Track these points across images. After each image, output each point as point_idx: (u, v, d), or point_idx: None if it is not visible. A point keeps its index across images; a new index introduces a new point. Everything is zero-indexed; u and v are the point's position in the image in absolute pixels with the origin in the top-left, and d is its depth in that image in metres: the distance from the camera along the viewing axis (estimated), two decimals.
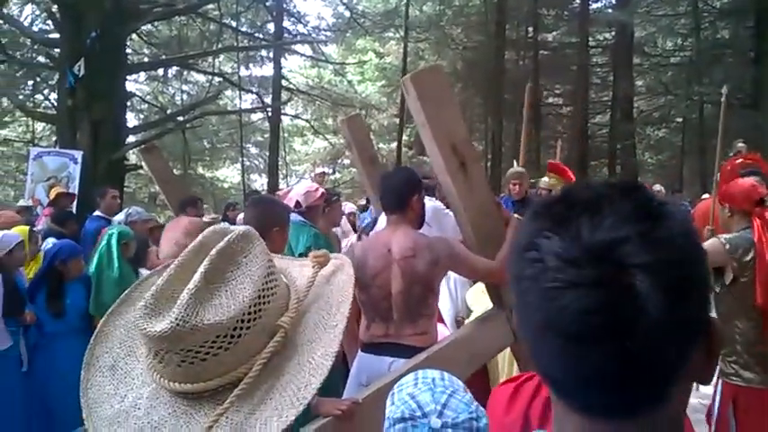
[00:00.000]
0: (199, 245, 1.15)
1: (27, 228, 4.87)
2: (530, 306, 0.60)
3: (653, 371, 0.57)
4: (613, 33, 20.16)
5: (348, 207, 5.95)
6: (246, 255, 1.12)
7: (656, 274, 0.54)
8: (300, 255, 3.58)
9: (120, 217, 5.45)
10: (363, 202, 9.62)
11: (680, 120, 21.27)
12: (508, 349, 3.01)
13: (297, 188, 4.11)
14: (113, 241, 4.48)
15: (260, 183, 24.32)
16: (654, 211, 0.59)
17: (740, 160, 4.79)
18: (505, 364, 3.32)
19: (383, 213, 3.01)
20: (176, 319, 1.01)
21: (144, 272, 4.75)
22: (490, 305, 3.30)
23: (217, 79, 16.46)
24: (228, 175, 25.08)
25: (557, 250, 0.57)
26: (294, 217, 3.54)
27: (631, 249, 0.55)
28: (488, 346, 2.78)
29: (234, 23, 15.45)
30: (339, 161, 24.24)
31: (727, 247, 3.02)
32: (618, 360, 0.55)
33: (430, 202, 4.28)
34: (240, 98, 19.85)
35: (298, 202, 3.90)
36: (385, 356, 2.61)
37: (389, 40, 20.64)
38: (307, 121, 21.23)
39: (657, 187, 12.11)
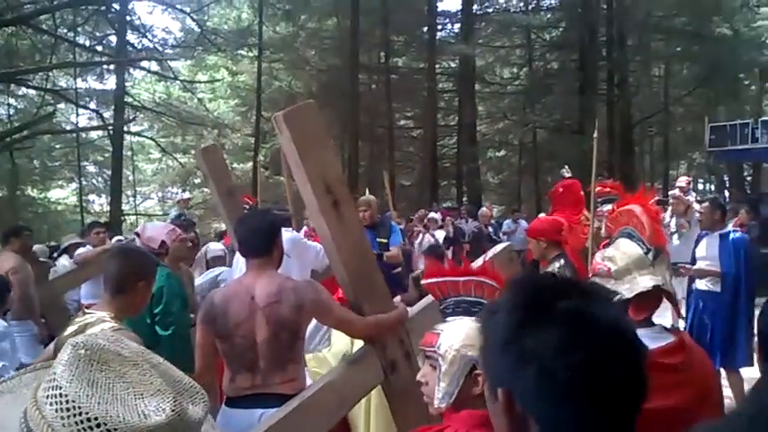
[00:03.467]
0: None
1: None
2: (572, 384, 0.81)
3: None
4: (458, 62, 21.44)
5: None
6: None
7: None
8: (152, 296, 3.35)
9: None
10: (222, 227, 9.25)
11: (517, 143, 23.12)
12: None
13: (151, 228, 3.84)
14: None
15: (99, 204, 22.68)
16: None
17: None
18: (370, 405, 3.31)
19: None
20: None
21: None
22: (348, 339, 3.30)
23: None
24: (63, 196, 22.99)
25: None
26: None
27: None
28: (359, 386, 2.75)
29: (71, 35, 14.26)
30: (190, 181, 23.24)
31: None
32: None
33: (288, 233, 4.23)
34: (77, 114, 18.34)
35: (163, 242, 3.66)
36: (254, 409, 2.51)
37: (243, 59, 20.24)
38: (152, 139, 20.10)
39: (483, 211, 12.82)
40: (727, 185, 19.65)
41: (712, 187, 18.53)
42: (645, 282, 2.02)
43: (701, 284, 5.33)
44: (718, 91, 20.86)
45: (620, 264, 2.08)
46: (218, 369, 2.76)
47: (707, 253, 5.34)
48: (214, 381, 2.78)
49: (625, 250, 2.12)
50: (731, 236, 5.27)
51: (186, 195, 10.88)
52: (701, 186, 21.59)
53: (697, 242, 5.59)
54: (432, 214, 11.19)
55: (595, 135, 5.20)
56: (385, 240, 5.81)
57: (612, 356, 0.80)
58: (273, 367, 2.53)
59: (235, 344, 2.52)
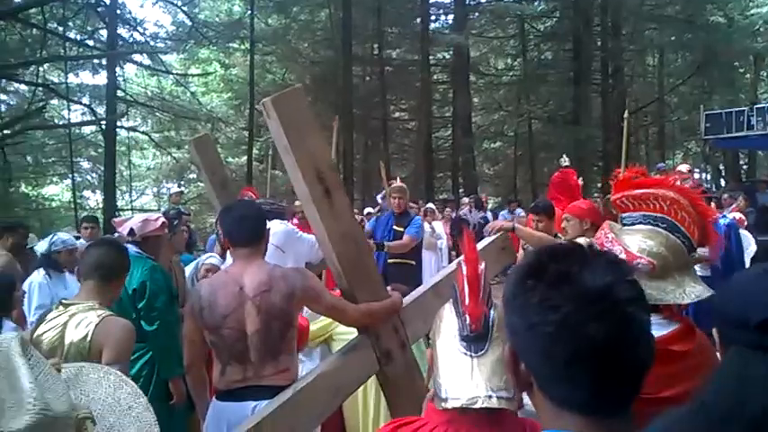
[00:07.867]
0: None
1: None
2: (553, 340, 0.84)
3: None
4: (451, 53, 21.30)
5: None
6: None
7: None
8: (134, 290, 3.29)
9: None
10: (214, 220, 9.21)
11: (512, 134, 23.05)
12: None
13: (136, 217, 3.76)
14: None
15: (94, 200, 22.58)
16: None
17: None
18: (369, 393, 3.27)
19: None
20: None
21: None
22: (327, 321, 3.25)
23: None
24: (57, 192, 22.85)
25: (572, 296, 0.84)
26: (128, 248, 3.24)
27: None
28: (354, 376, 2.70)
29: (60, 29, 14.09)
30: (185, 176, 23.10)
31: None
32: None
33: (282, 226, 4.15)
34: (69, 109, 18.17)
35: (132, 230, 3.57)
36: (246, 401, 2.46)
37: (235, 52, 20.07)
38: (146, 133, 19.95)
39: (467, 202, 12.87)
40: (723, 174, 19.64)
41: (708, 176, 18.52)
42: (697, 290, 1.83)
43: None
44: (713, 79, 20.81)
45: (664, 261, 1.87)
46: (209, 362, 2.71)
47: None
48: (204, 374, 2.72)
49: (670, 246, 1.91)
50: (722, 221, 5.41)
51: (176, 189, 10.77)
52: (696, 175, 21.58)
53: None
54: (429, 205, 11.16)
55: (626, 116, 5.71)
56: (402, 230, 5.85)
57: (590, 317, 0.82)
58: (265, 358, 2.47)
59: (224, 336, 2.46)
